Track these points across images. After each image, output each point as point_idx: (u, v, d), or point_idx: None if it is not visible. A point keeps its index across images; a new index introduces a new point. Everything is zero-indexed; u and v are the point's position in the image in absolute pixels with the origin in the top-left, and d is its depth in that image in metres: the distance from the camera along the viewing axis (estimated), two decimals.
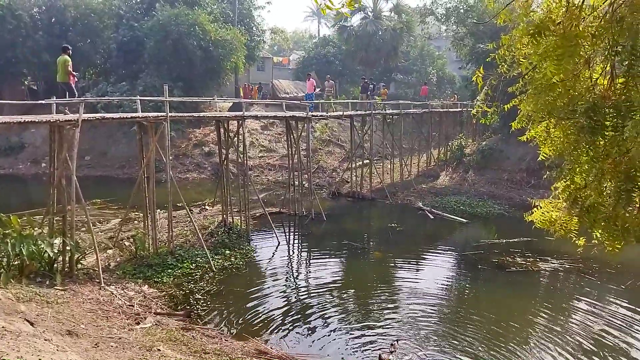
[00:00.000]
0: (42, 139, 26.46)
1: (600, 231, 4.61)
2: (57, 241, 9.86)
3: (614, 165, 4.31)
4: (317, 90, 25.23)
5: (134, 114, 11.56)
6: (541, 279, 12.47)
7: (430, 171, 27.37)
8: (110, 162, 26.50)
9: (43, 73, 29.46)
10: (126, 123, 21.10)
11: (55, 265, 9.89)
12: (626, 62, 4.10)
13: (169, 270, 11.34)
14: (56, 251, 9.79)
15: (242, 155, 16.17)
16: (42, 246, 9.57)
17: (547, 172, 5.40)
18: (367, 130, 23.43)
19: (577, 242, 5.17)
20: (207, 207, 18.17)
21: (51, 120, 9.85)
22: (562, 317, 10.13)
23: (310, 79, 23.91)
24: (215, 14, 30.58)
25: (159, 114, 12.13)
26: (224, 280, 11.36)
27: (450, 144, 29.07)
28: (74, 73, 13.03)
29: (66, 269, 10.00)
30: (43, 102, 11.42)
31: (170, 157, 14.43)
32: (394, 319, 9.68)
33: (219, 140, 16.00)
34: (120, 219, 14.64)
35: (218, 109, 22.10)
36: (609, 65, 4.40)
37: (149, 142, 12.06)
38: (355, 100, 25.57)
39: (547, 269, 12.87)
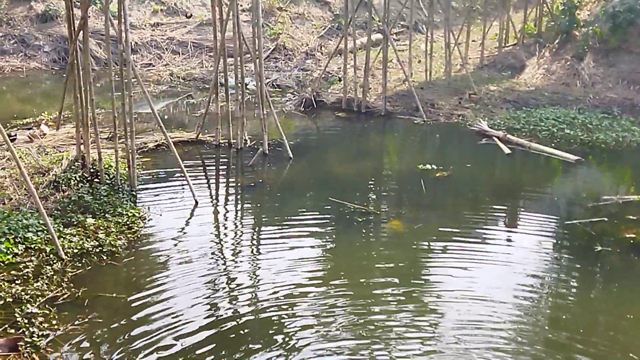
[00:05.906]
0: None
1: None
2: None
3: None
4: None
5: None
6: None
7: (507, 57, 27.52)
8: None
9: None
10: None
11: None
12: None
13: None
14: None
15: (117, 23, 15.73)
16: None
17: None
18: None
19: None
20: (44, 129, 18.07)
21: None
22: None
23: None
24: None
25: None
26: (85, 277, 11.40)
27: (548, 1, 28.90)
28: None
29: None
30: None
31: None
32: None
33: None
34: None
35: None
36: None
37: None
38: None
39: None
